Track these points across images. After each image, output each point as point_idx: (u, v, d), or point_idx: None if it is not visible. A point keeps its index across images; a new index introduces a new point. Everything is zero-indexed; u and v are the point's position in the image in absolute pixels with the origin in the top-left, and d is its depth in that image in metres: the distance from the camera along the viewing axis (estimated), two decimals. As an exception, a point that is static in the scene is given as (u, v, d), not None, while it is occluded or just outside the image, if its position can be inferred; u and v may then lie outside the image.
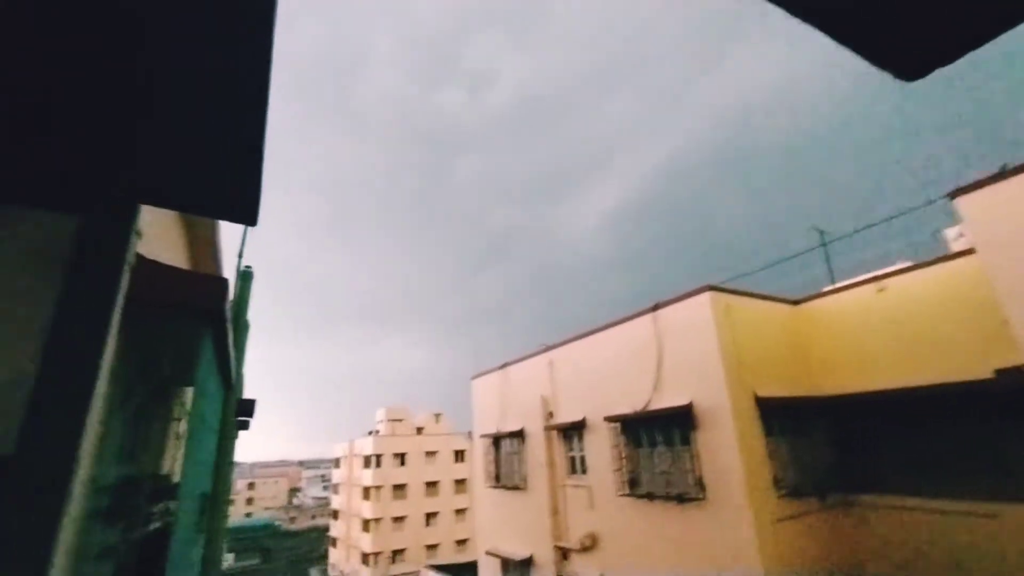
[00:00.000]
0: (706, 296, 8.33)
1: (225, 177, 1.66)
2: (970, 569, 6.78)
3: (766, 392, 8.01)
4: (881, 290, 8.15)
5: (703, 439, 7.98)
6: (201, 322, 2.62)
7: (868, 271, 9.49)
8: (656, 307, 9.25)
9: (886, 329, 8.02)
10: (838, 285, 9.47)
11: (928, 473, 7.47)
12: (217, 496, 4.67)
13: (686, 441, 8.24)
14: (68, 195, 1.65)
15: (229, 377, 4.19)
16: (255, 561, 59.72)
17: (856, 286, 8.71)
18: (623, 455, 9.38)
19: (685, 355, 8.56)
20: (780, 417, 8.14)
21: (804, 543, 7.53)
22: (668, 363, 8.83)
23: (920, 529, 7.39)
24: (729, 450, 7.56)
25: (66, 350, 1.37)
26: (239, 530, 66.22)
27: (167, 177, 1.75)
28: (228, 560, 54.94)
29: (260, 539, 65.89)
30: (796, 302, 9.56)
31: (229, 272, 5.08)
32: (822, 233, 12.88)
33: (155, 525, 2.35)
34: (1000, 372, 6.23)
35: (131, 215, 1.75)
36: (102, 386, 1.41)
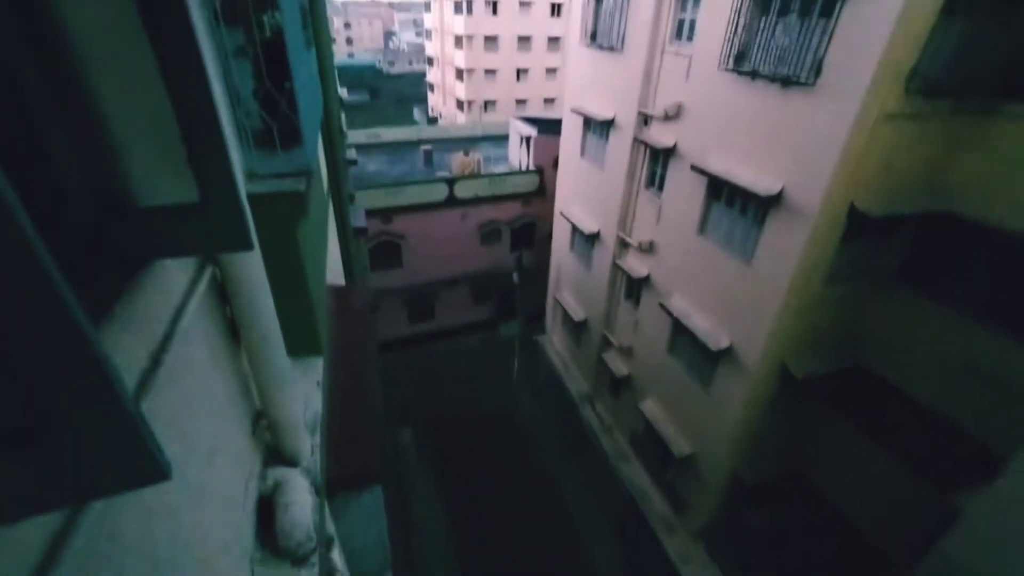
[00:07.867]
0: None
1: None
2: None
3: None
4: None
5: (852, 10, 6.48)
6: None
7: None
8: None
9: None
10: None
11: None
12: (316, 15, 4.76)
13: (828, 12, 6.75)
14: None
15: None
16: (364, 97, 68.34)
17: None
18: (741, 22, 8.07)
19: None
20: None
21: (897, 152, 7.19)
22: None
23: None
24: (880, 28, 6.21)
25: None
26: (346, 68, 72.69)
27: None
28: (343, 93, 63.16)
29: (366, 78, 73.06)
30: None
31: None
32: None
33: (268, 34, 2.48)
34: None
35: None
36: None
